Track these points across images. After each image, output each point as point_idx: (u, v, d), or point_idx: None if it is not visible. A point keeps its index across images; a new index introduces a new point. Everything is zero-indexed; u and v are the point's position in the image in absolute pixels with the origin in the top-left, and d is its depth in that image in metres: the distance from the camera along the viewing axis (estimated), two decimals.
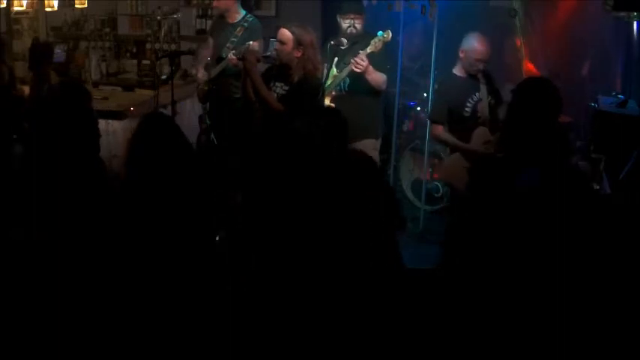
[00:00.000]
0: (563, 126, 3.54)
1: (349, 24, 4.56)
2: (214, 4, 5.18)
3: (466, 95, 4.42)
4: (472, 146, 4.36)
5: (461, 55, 4.42)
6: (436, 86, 5.01)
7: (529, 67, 5.49)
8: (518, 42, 5.41)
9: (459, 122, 4.46)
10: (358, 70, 4.35)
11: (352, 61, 4.37)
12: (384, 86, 4.61)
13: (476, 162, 4.20)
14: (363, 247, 2.57)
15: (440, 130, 4.54)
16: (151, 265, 2.64)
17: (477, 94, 4.41)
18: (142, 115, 3.15)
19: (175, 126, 2.97)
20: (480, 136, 4.36)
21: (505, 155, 2.67)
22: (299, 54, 4.07)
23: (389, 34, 4.41)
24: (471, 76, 4.44)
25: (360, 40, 4.53)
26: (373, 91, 4.56)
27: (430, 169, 5.45)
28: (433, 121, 4.69)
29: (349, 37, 4.53)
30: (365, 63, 4.33)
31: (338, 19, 4.68)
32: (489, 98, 4.42)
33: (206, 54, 5.40)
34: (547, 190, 2.32)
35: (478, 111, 4.41)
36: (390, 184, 3.06)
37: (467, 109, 4.41)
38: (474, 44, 4.35)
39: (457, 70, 4.49)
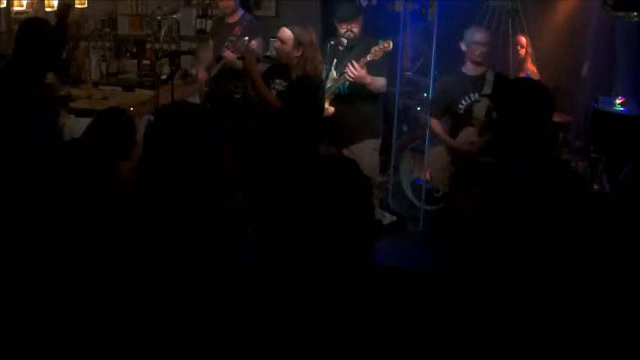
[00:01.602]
0: (555, 125, 3.57)
1: (346, 29, 4.54)
2: (221, 4, 5.18)
3: (463, 93, 4.49)
4: (455, 143, 4.52)
5: (463, 48, 4.50)
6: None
7: (530, 67, 5.49)
8: (520, 41, 5.41)
9: (452, 118, 4.60)
10: (351, 79, 4.34)
11: (348, 68, 4.34)
12: (384, 89, 4.60)
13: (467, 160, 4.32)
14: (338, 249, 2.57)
15: (434, 122, 4.70)
16: (153, 264, 2.64)
17: (475, 94, 4.44)
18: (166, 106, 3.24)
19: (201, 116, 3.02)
20: (466, 135, 4.49)
21: (496, 156, 2.70)
22: (298, 54, 4.06)
23: (390, 44, 4.35)
24: (477, 76, 4.46)
25: (359, 44, 4.53)
26: (373, 93, 4.56)
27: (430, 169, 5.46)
28: (430, 114, 4.82)
29: (348, 40, 4.53)
30: (358, 73, 4.29)
31: (335, 24, 4.67)
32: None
33: (207, 55, 5.42)
34: (543, 186, 2.32)
35: (473, 111, 4.45)
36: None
37: (460, 106, 4.50)
38: (471, 32, 4.45)
39: (464, 68, 4.57)
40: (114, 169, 3.02)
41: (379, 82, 4.46)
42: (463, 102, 4.49)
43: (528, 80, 2.96)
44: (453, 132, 4.58)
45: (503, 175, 2.43)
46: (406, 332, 2.22)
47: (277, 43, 4.15)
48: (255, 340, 2.47)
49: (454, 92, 4.54)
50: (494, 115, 2.55)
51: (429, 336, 2.19)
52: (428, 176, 5.06)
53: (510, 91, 2.58)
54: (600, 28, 5.27)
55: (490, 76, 4.45)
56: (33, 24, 4.29)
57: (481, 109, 4.41)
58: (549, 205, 2.26)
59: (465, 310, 2.25)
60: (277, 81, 4.22)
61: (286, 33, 4.08)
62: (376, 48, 4.33)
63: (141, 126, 5.18)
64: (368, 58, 4.33)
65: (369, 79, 4.36)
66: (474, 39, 4.43)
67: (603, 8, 4.83)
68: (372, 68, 4.38)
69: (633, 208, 3.34)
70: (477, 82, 4.46)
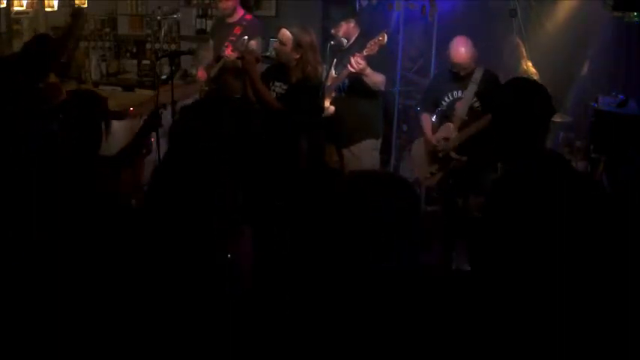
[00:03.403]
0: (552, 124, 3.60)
1: (336, 31, 4.54)
2: (221, 4, 5.18)
3: (447, 90, 4.57)
4: (431, 138, 4.64)
5: (448, 59, 4.54)
6: None
7: (529, 67, 5.49)
8: (519, 42, 5.41)
9: (437, 114, 4.69)
10: (354, 71, 4.33)
11: (350, 61, 4.35)
12: (382, 87, 4.60)
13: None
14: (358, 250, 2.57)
15: (424, 116, 4.80)
16: (155, 266, 2.64)
17: (459, 91, 4.50)
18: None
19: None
20: (444, 131, 4.59)
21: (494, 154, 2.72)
22: (297, 55, 4.05)
23: (384, 37, 4.31)
24: (463, 75, 4.47)
25: (357, 43, 4.52)
26: (372, 92, 4.55)
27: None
28: (420, 108, 4.94)
29: (347, 40, 4.54)
30: (362, 65, 4.29)
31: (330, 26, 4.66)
32: (474, 100, 4.44)
33: (207, 55, 5.42)
34: (544, 183, 2.33)
35: (455, 108, 4.51)
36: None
37: (443, 102, 4.59)
38: (452, 49, 4.46)
39: (451, 67, 4.56)
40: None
41: (377, 77, 4.45)
42: (446, 99, 4.56)
43: (525, 79, 2.96)
44: (435, 127, 4.69)
45: (504, 173, 2.44)
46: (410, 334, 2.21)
47: (277, 44, 4.15)
48: (255, 339, 2.46)
49: (439, 88, 4.64)
50: (490, 113, 2.55)
51: (433, 336, 2.19)
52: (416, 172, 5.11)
53: (507, 89, 2.58)
54: (600, 28, 5.27)
55: (478, 75, 4.45)
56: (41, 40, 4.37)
57: (462, 107, 4.47)
58: (551, 202, 2.26)
59: (472, 309, 2.25)
60: (277, 83, 4.22)
61: (286, 35, 4.08)
62: (371, 42, 4.32)
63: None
64: (364, 53, 4.32)
65: (368, 70, 4.34)
66: (452, 59, 4.45)
67: (603, 8, 4.83)
68: (370, 65, 4.38)
69: (633, 208, 3.34)
70: (463, 80, 4.48)
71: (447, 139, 4.54)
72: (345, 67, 4.41)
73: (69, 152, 2.95)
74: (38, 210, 2.77)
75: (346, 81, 4.50)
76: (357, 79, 4.41)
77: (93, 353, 2.50)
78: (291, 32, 4.07)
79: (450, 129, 4.53)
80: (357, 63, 4.28)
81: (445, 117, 4.59)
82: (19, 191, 2.88)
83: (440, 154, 4.59)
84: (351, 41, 4.58)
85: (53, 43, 4.48)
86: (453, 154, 4.49)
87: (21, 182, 2.93)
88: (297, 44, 4.04)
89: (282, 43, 4.09)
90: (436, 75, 4.84)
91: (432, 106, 4.73)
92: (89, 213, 2.78)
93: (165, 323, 2.57)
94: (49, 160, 2.96)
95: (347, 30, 4.55)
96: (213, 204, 2.88)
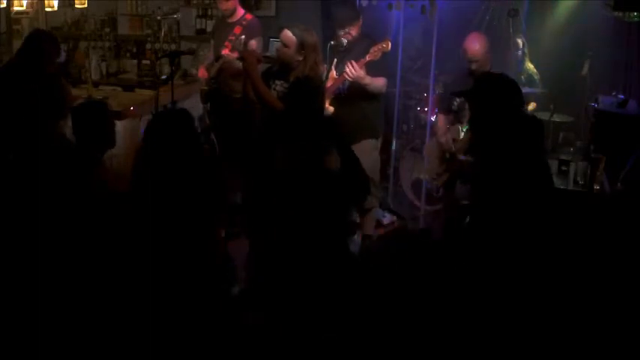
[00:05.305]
0: (529, 116, 3.57)
1: (344, 33, 4.53)
2: (221, 6, 5.18)
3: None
4: (441, 137, 4.63)
5: (462, 52, 4.51)
6: None
7: (529, 67, 5.49)
8: (519, 42, 5.41)
9: (449, 114, 4.69)
10: (350, 79, 4.32)
11: (344, 70, 4.31)
12: (384, 89, 4.59)
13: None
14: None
15: (440, 117, 4.80)
16: (152, 264, 2.64)
17: None
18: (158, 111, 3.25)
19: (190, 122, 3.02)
20: (452, 132, 4.60)
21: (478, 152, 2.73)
22: (301, 57, 4.02)
23: (388, 44, 4.31)
24: (473, 74, 4.47)
25: (358, 44, 4.52)
26: (373, 93, 4.54)
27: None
28: (439, 109, 4.96)
29: (347, 41, 4.53)
30: (357, 73, 4.26)
31: (334, 27, 4.65)
32: None
33: (208, 54, 5.43)
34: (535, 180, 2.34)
35: (465, 109, 4.46)
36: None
37: (455, 102, 4.58)
38: (466, 44, 4.47)
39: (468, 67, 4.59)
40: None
41: (379, 82, 4.44)
42: (457, 99, 4.53)
43: (493, 75, 2.95)
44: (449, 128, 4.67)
45: (493, 171, 2.45)
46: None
47: (279, 46, 4.11)
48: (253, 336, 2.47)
49: (452, 89, 4.52)
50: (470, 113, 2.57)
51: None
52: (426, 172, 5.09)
53: (479, 87, 2.59)
54: (600, 28, 5.27)
55: None
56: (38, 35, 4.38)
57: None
58: (542, 200, 2.27)
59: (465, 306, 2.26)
60: (278, 82, 4.20)
61: (289, 36, 4.03)
62: (374, 48, 4.31)
63: (141, 126, 5.20)
64: (367, 58, 4.31)
65: (367, 79, 4.34)
66: (466, 53, 4.46)
67: (603, 8, 4.83)
68: (372, 69, 4.37)
69: (633, 208, 3.34)
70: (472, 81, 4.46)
71: (455, 140, 4.50)
72: (346, 67, 4.40)
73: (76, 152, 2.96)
74: (41, 209, 2.78)
75: (346, 82, 4.50)
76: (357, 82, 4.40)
77: (85, 344, 2.50)
78: (293, 33, 4.03)
79: (458, 130, 4.50)
80: (351, 70, 4.25)
81: (456, 117, 4.58)
82: (22, 190, 2.88)
83: (447, 155, 4.57)
84: (352, 41, 4.57)
85: (50, 38, 4.48)
86: (459, 156, 4.45)
87: (24, 181, 2.93)
88: (301, 46, 4.01)
89: (285, 44, 4.06)
90: (454, 76, 4.83)
91: (448, 106, 4.71)
92: (90, 213, 2.79)
93: (164, 323, 2.57)
94: (54, 159, 2.97)
95: (356, 31, 4.53)
96: (209, 204, 2.88)
